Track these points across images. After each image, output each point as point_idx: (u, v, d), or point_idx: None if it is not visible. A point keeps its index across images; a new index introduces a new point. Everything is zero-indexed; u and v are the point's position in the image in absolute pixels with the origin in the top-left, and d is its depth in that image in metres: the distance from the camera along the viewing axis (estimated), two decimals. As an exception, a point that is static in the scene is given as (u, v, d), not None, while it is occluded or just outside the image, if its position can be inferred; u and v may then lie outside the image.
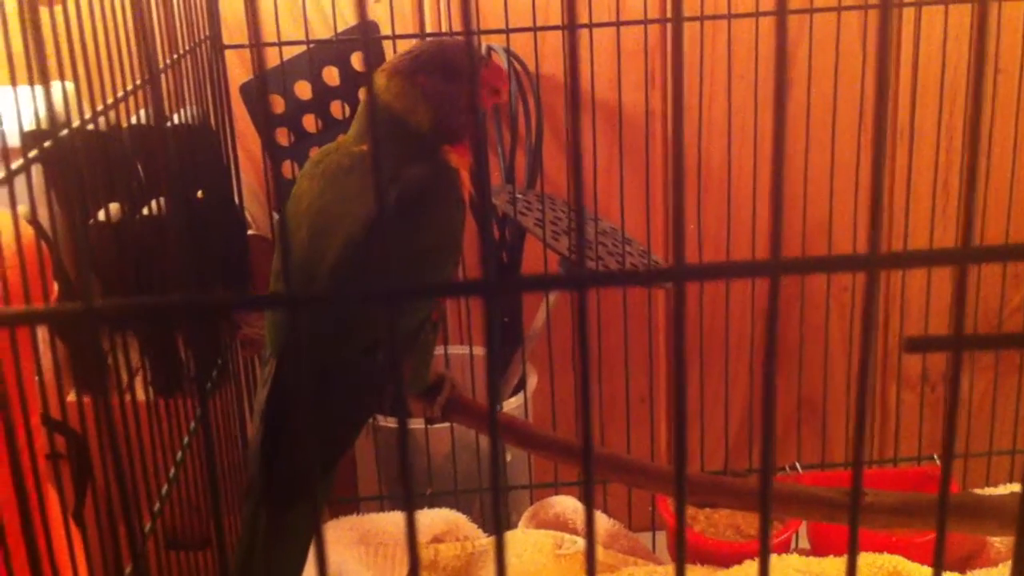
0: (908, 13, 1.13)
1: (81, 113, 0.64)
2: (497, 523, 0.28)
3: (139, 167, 0.83)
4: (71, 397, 0.77)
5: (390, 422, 1.10)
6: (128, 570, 0.56)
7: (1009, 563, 0.98)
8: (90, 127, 0.65)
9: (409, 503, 0.27)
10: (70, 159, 0.62)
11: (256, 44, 0.27)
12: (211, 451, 0.32)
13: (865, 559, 0.95)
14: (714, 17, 1.12)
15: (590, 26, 1.11)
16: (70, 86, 0.66)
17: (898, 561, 0.95)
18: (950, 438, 0.24)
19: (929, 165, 1.19)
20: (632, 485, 0.97)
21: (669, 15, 1.16)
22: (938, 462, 1.18)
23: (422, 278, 0.75)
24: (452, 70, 0.77)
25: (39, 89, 0.56)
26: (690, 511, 1.08)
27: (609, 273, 0.23)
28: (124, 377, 0.70)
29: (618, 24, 1.10)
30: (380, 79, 0.78)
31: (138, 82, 0.74)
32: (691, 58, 1.15)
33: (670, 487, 0.81)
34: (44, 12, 0.60)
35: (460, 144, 0.79)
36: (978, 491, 1.09)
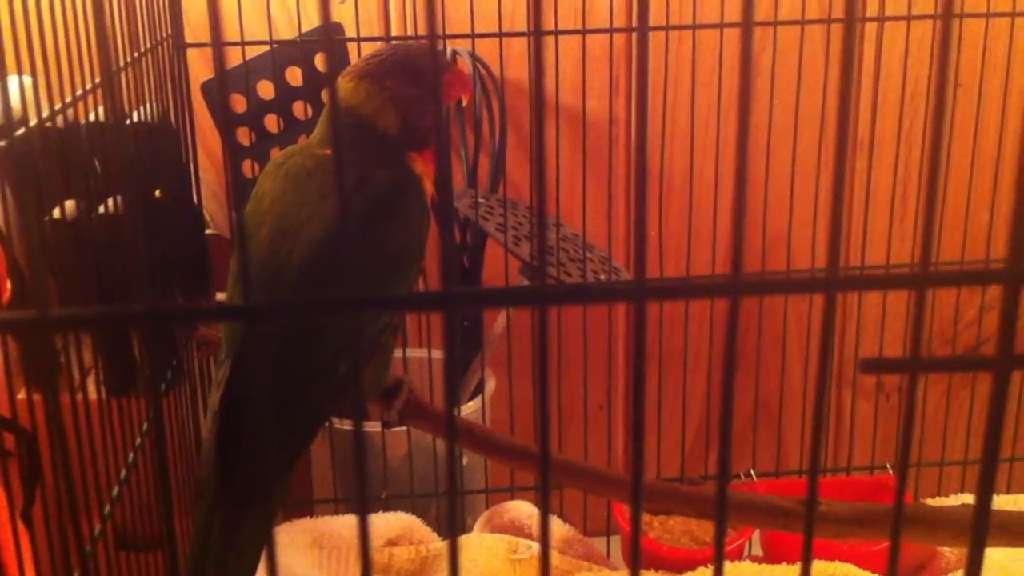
0: (870, 27, 1.15)
1: (39, 111, 0.64)
2: (452, 527, 0.28)
3: (96, 164, 0.82)
4: (21, 395, 0.76)
5: (346, 424, 1.10)
6: (77, 574, 0.56)
7: (959, 573, 1.00)
8: (49, 124, 0.64)
9: (362, 507, 0.27)
10: (27, 156, 0.61)
11: (217, 43, 0.26)
12: (163, 451, 0.31)
13: (817, 567, 0.96)
14: (679, 27, 1.13)
15: (556, 33, 1.11)
16: (28, 80, 0.65)
17: (849, 569, 0.96)
18: (905, 455, 0.25)
19: (888, 176, 1.20)
20: (589, 491, 0.97)
21: (635, 24, 1.16)
22: (891, 471, 1.19)
23: (386, 285, 0.75)
24: (420, 74, 0.77)
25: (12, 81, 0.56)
26: (645, 517, 1.09)
27: (570, 290, 0.23)
28: (76, 376, 0.69)
29: (584, 32, 1.11)
30: (347, 82, 0.77)
31: (97, 80, 0.73)
32: (655, 67, 1.16)
33: (626, 494, 0.81)
34: (3, 5, 0.59)
35: (425, 150, 0.79)
36: (930, 501, 1.11)
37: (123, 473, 0.74)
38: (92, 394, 0.79)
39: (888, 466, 1.21)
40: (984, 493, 0.28)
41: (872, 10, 1.13)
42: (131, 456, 0.76)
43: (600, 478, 0.79)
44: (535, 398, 1.13)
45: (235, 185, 0.26)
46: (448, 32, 1.10)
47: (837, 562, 0.96)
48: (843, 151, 0.24)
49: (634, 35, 1.16)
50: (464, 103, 0.89)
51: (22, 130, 0.60)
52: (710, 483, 1.08)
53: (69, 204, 0.75)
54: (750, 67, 0.26)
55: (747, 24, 0.26)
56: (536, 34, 0.27)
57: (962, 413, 1.26)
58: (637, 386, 0.24)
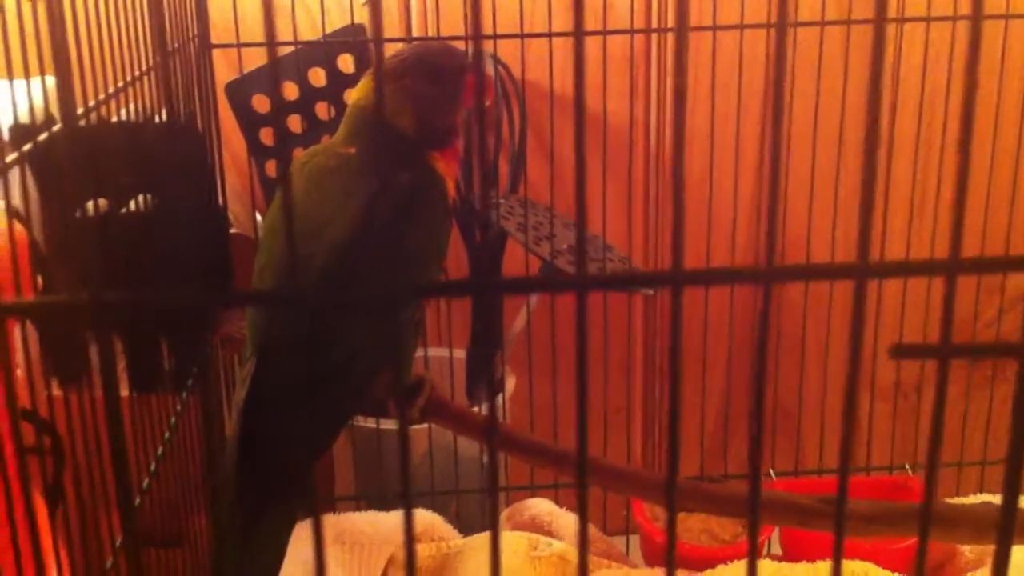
0: (890, 28, 1.15)
1: (66, 111, 0.64)
2: (493, 524, 0.29)
3: (123, 164, 0.82)
4: (50, 391, 0.77)
5: (368, 422, 1.10)
6: (109, 562, 0.56)
7: (978, 572, 1.00)
8: (82, 123, 0.65)
9: (407, 502, 0.27)
10: (57, 155, 0.62)
11: (271, 43, 0.27)
12: (211, 444, 0.32)
13: (836, 566, 0.96)
14: (699, 28, 1.13)
15: (577, 34, 1.12)
16: (52, 81, 0.66)
17: (869, 568, 0.96)
18: (935, 447, 0.25)
19: (907, 177, 1.20)
20: (611, 489, 0.98)
21: (655, 25, 1.17)
22: (910, 472, 1.20)
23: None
24: (438, 74, 0.78)
25: (35, 82, 0.57)
26: (663, 515, 1.09)
27: (609, 276, 0.23)
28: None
29: (604, 33, 1.11)
30: (366, 82, 0.78)
31: (121, 83, 0.74)
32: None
33: (647, 491, 0.82)
34: (27, 7, 0.60)
35: (446, 150, 0.79)
36: (947, 501, 1.11)
37: (152, 466, 0.75)
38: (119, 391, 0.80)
39: (907, 466, 1.21)
40: (1010, 490, 0.29)
41: (891, 12, 1.13)
42: (160, 449, 0.77)
43: (621, 475, 0.79)
44: (555, 396, 1.14)
45: (284, 181, 0.26)
46: (469, 33, 1.11)
47: (857, 560, 0.96)
48: (873, 138, 0.24)
49: (654, 36, 1.17)
50: (488, 103, 0.90)
51: (57, 127, 0.61)
52: (730, 481, 1.08)
53: (99, 203, 0.76)
54: (784, 64, 0.27)
55: (781, 26, 0.27)
56: (577, 35, 0.28)
57: (980, 413, 1.26)
58: (673, 378, 0.25)
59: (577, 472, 0.26)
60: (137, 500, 0.71)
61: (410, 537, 0.28)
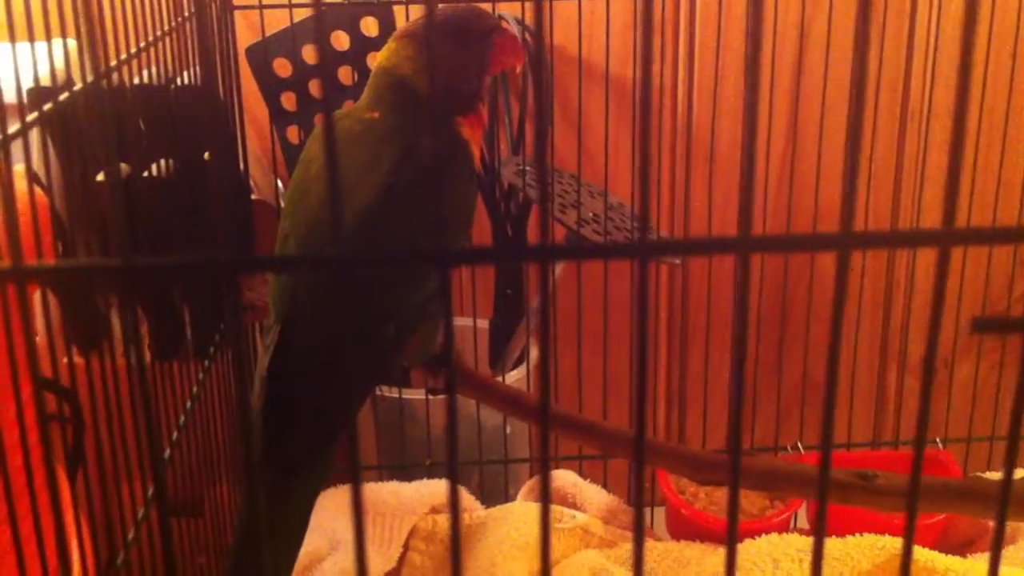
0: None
1: (90, 72, 0.63)
2: (544, 493, 0.27)
3: (142, 127, 0.81)
4: (66, 358, 0.76)
5: (391, 392, 1.09)
6: (131, 534, 0.55)
7: (1010, 548, 0.98)
8: (103, 84, 0.64)
9: (452, 472, 0.26)
10: (76, 118, 0.60)
11: (303, 6, 0.26)
12: (239, 416, 0.31)
13: (867, 540, 0.95)
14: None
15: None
16: (72, 43, 0.64)
17: (900, 543, 0.94)
18: (1017, 420, 0.23)
19: (942, 147, 1.18)
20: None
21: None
22: (940, 446, 1.18)
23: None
24: (464, 36, 0.76)
25: (56, 45, 0.55)
26: (691, 488, 1.08)
27: (670, 242, 0.22)
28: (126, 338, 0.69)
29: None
30: (389, 43, 0.77)
31: (143, 44, 0.72)
32: (707, 33, 1.14)
33: (673, 463, 0.81)
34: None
35: (471, 115, 0.77)
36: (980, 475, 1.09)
37: (174, 436, 0.74)
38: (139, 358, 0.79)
39: (937, 440, 1.19)
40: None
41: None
42: (182, 419, 0.76)
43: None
44: (579, 366, 1.12)
45: (329, 148, 0.25)
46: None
47: (887, 536, 0.95)
48: (963, 103, 0.23)
49: (684, 1, 1.14)
50: (518, 70, 0.88)
51: (78, 86, 0.60)
52: (760, 454, 1.07)
53: (123, 168, 0.75)
54: (868, 26, 0.25)
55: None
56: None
57: (1012, 387, 1.24)
58: (738, 349, 0.23)
59: (634, 459, 0.24)
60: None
61: (455, 508, 0.26)
